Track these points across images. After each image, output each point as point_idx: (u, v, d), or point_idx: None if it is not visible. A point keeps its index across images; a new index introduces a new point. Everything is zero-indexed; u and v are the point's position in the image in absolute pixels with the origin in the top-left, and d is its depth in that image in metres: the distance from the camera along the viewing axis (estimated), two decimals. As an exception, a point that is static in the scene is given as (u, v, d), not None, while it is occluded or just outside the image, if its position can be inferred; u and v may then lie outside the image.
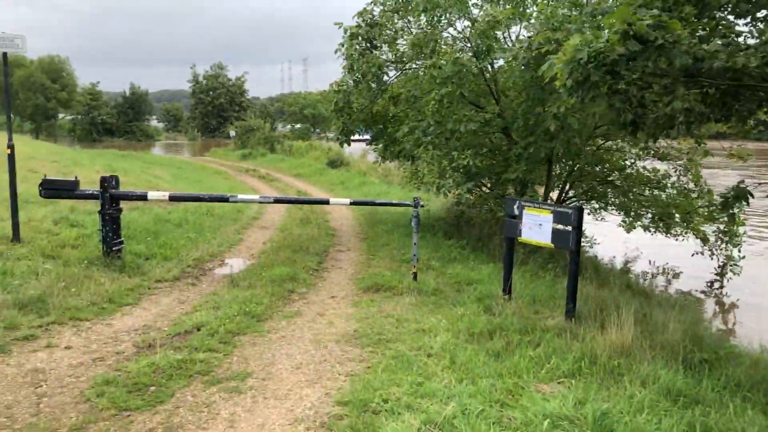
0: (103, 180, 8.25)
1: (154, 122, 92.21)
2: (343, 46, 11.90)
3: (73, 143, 70.94)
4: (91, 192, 8.44)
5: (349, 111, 12.52)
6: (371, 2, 12.22)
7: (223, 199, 8.31)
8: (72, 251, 8.46)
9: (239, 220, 13.60)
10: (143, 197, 8.45)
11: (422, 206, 8.55)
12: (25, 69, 65.31)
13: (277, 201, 8.37)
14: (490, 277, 8.62)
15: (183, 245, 10.02)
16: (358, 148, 38.82)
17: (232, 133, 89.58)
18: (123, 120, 79.33)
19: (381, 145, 14.79)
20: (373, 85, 12.07)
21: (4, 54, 8.13)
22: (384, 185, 22.11)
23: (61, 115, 76.33)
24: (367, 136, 60.77)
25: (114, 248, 8.32)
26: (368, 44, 11.82)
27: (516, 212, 6.90)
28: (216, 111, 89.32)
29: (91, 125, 76.35)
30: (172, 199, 8.35)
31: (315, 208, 16.17)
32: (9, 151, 8.37)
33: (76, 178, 8.53)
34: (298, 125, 52.97)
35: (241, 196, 8.34)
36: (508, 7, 11.07)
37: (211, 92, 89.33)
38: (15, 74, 65.52)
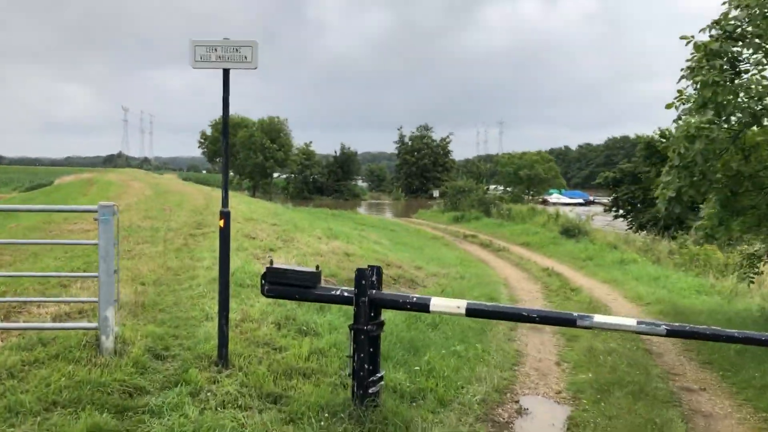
0: (361, 275, 4.98)
1: (360, 182, 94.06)
2: (691, 70, 7.92)
3: (287, 201, 73.70)
4: (340, 293, 5.20)
5: (693, 166, 8.33)
6: (726, 2, 8.15)
7: (568, 323, 4.52)
8: (303, 386, 5.25)
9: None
10: (422, 306, 5.02)
11: None
12: (247, 130, 69.33)
13: (672, 334, 4.37)
14: None
15: (454, 369, 6.48)
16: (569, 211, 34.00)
17: (436, 193, 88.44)
18: (332, 179, 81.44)
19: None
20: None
21: (226, 72, 5.32)
22: (655, 266, 17.33)
23: (275, 174, 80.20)
24: (578, 199, 54.98)
25: (370, 389, 4.97)
26: (729, 65, 7.74)
27: None
28: (419, 171, 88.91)
29: (303, 183, 79.22)
30: (472, 314, 4.84)
31: (576, 288, 12.15)
32: (222, 223, 5.47)
33: (318, 268, 5.36)
34: (509, 188, 49.29)
35: (598, 319, 4.53)
36: None
37: (415, 153, 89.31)
38: (237, 134, 69.89)
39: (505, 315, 4.80)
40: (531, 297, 12.98)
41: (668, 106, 9.00)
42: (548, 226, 29.27)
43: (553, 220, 29.91)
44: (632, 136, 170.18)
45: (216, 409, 4.60)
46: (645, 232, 26.73)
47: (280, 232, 14.04)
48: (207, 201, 20.04)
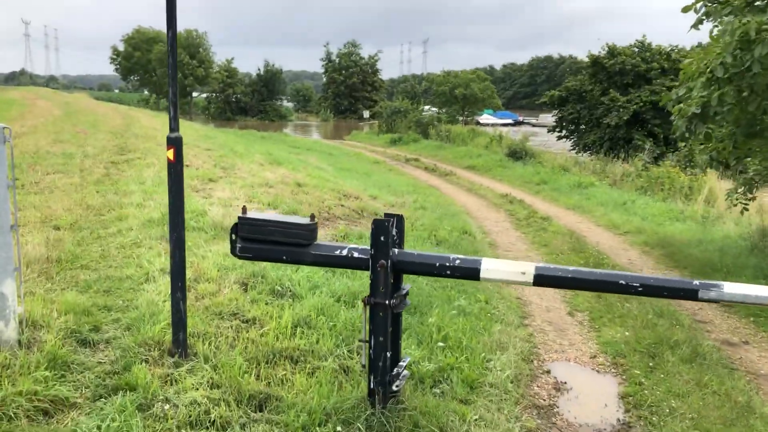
0: (379, 229, 3.48)
1: (286, 102, 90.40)
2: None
3: (208, 122, 69.98)
4: (348, 253, 3.67)
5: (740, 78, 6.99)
6: None
7: (688, 294, 3.16)
8: (295, 379, 3.81)
9: (477, 247, 8.83)
10: (469, 273, 3.58)
11: None
12: (164, 44, 64.42)
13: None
14: None
15: (468, 332, 5.19)
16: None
17: (366, 114, 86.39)
18: (257, 99, 77.65)
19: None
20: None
21: None
22: (616, 190, 16.56)
23: (195, 93, 75.66)
24: (507, 119, 54.27)
25: (394, 385, 3.60)
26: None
27: None
28: (348, 91, 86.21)
29: (225, 103, 75.18)
30: (543, 282, 3.48)
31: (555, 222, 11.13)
32: (172, 154, 3.83)
33: (313, 219, 3.78)
34: (443, 108, 47.84)
35: (729, 288, 3.22)
36: None
37: (343, 71, 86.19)
38: (153, 49, 64.89)
39: (593, 284, 3.45)
40: (500, 228, 11.85)
41: (686, 9, 7.66)
42: (491, 148, 28.29)
43: (497, 142, 28.92)
44: (555, 56, 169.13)
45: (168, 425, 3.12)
46: (588, 153, 26.14)
47: (216, 159, 12.23)
48: (126, 122, 17.72)
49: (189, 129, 18.87)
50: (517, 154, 24.27)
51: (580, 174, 19.76)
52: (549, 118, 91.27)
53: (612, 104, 25.09)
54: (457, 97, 46.27)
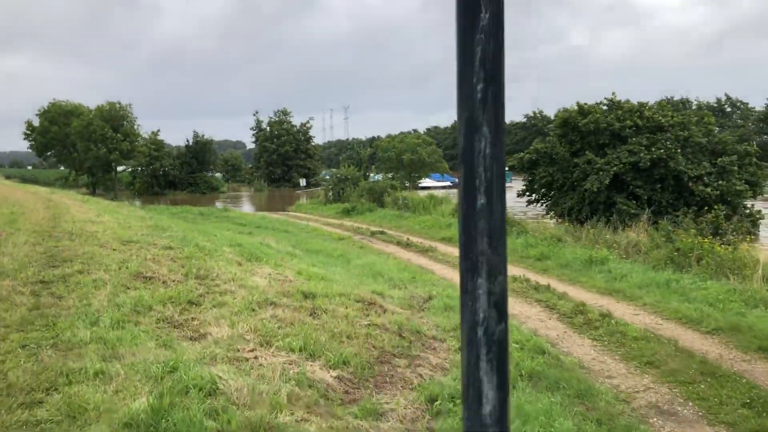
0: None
1: (216, 174, 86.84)
2: None
3: (133, 198, 65.72)
4: None
5: None
6: None
7: None
8: None
9: (584, 382, 6.24)
10: None
11: None
12: (83, 118, 60.20)
13: None
14: None
15: None
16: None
17: (303, 182, 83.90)
18: (186, 171, 73.82)
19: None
20: None
21: None
22: (641, 266, 14.43)
23: (120, 168, 71.29)
24: (445, 182, 52.93)
25: None
26: None
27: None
28: (281, 159, 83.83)
29: (152, 177, 70.93)
30: None
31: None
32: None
33: None
34: (389, 174, 45.84)
35: None
36: None
37: (275, 139, 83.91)
38: (72, 123, 60.68)
39: None
40: (557, 333, 9.32)
41: None
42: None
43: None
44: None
45: None
46: (563, 219, 24.30)
47: (184, 262, 9.23)
48: (53, 212, 14.34)
49: (132, 217, 15.64)
50: (497, 223, 22.10)
51: (576, 245, 17.69)
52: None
53: (589, 167, 23.49)
54: (404, 163, 44.44)
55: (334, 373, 4.97)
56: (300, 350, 5.42)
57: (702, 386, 6.58)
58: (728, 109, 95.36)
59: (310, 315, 7.07)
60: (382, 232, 24.39)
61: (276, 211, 42.79)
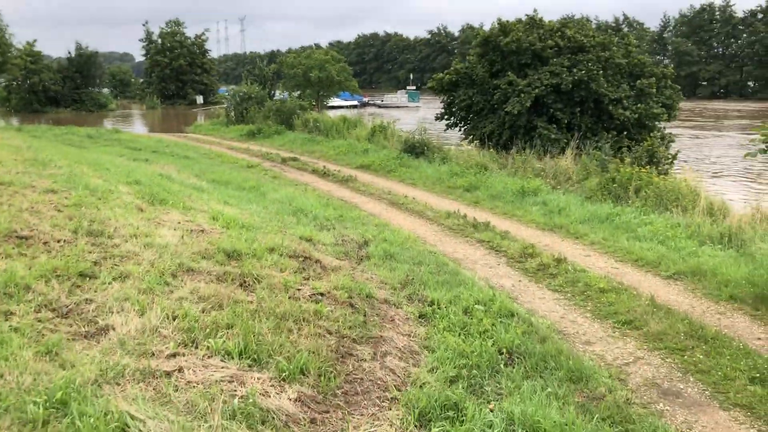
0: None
1: (103, 89, 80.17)
2: None
3: (9, 115, 59.66)
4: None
5: None
6: None
7: None
8: None
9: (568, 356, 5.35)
10: None
11: None
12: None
13: None
14: None
15: None
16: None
17: (200, 99, 79.15)
18: (70, 86, 67.44)
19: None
20: None
21: None
22: (575, 197, 13.79)
23: (-9, 82, 64.20)
24: (353, 101, 51.44)
25: None
26: None
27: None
28: (175, 74, 78.53)
29: (31, 93, 64.30)
30: None
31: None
32: None
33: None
34: (295, 93, 43.33)
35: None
36: None
37: (168, 53, 78.09)
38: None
39: None
40: (513, 283, 8.42)
41: None
42: (377, 141, 24.80)
43: (381, 133, 25.48)
44: (381, 33, 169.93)
45: None
46: (481, 144, 23.49)
47: (72, 212, 7.44)
48: None
49: (3, 148, 13.21)
50: (417, 149, 21.01)
51: (503, 174, 16.89)
52: (395, 98, 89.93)
53: (510, 88, 22.56)
54: (311, 81, 41.97)
55: (292, 392, 3.67)
56: (240, 354, 4.06)
57: (697, 354, 5.81)
58: (626, 29, 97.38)
59: (241, 287, 5.67)
60: (294, 159, 22.73)
61: (172, 133, 39.73)
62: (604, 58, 22.53)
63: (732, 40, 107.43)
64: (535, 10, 24.50)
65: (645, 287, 7.98)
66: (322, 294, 5.94)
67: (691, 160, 29.55)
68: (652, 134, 19.56)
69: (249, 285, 5.78)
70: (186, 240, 7.10)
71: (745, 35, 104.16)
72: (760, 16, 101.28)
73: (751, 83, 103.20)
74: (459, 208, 13.31)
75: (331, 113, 40.15)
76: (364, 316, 5.62)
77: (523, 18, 24.57)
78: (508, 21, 24.08)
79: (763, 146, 7.41)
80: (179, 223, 8.14)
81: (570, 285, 8.09)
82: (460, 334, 5.67)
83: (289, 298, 5.54)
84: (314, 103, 43.56)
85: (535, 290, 8.04)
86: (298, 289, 5.97)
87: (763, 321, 6.80)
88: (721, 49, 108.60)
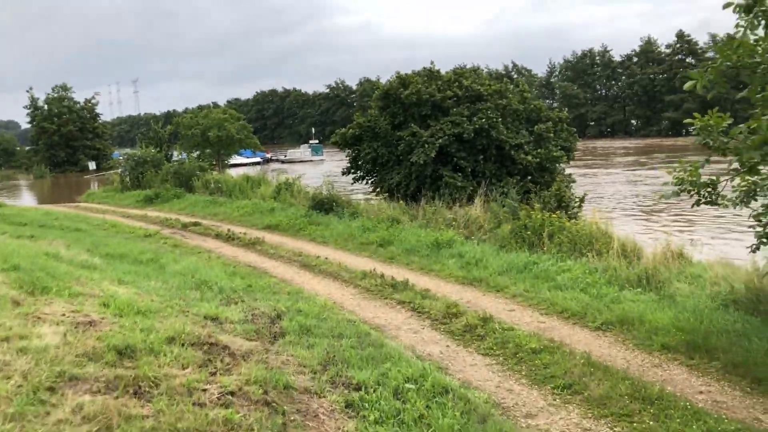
0: None
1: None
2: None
3: None
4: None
5: None
6: None
7: None
8: None
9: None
10: None
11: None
12: None
13: None
14: None
15: None
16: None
17: (92, 165, 75.57)
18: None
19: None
20: None
21: None
22: (489, 247, 13.59)
23: None
24: (256, 158, 50.73)
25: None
26: None
27: None
28: (64, 141, 74.83)
29: None
30: None
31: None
32: None
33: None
34: (194, 153, 42.01)
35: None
36: None
37: (56, 119, 74.55)
38: None
39: None
40: (441, 350, 7.88)
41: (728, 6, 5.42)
42: (284, 199, 24.07)
43: (287, 190, 24.78)
44: (280, 89, 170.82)
45: None
46: (389, 196, 23.30)
47: None
48: None
49: None
50: (325, 205, 20.46)
51: (415, 226, 16.60)
52: (298, 152, 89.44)
53: (414, 139, 22.60)
54: (210, 140, 40.82)
55: None
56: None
57: (646, 419, 5.43)
58: (515, 76, 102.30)
59: (135, 395, 4.80)
60: (196, 224, 21.58)
61: (64, 203, 37.34)
62: (502, 106, 23.06)
63: (613, 82, 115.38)
64: (432, 63, 24.94)
65: (576, 343, 7.66)
66: (232, 393, 5.15)
67: (590, 198, 30.60)
68: (556, 177, 19.99)
69: (145, 392, 4.92)
70: (69, 338, 6.11)
71: (624, 77, 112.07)
72: (635, 59, 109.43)
73: (634, 122, 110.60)
74: (375, 266, 12.78)
75: (234, 172, 39.13)
76: (283, 416, 4.89)
77: (419, 70, 24.90)
78: (406, 74, 24.29)
79: (676, 189, 7.36)
80: (63, 315, 7.09)
81: (500, 347, 7.64)
82: (393, 425, 5.03)
83: (193, 404, 4.73)
84: (215, 163, 42.38)
85: (465, 356, 7.54)
86: (204, 390, 5.16)
87: (700, 371, 6.58)
88: (604, 91, 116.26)
